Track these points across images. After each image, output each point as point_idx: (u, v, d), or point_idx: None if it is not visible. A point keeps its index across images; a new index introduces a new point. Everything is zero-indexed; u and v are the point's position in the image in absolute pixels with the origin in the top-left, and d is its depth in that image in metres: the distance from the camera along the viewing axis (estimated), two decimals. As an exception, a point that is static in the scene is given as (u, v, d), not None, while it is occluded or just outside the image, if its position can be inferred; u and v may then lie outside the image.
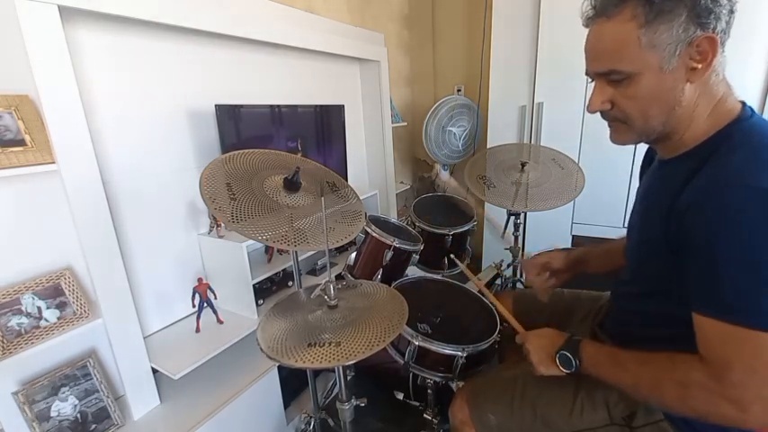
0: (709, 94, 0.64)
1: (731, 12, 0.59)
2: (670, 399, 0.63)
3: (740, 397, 0.56)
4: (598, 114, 0.74)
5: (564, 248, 1.12)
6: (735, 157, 0.58)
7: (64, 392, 1.12)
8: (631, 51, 0.61)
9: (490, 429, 0.92)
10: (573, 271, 1.08)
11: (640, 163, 0.95)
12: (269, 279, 1.67)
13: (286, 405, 1.56)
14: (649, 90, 0.63)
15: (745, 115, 0.64)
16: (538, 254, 1.12)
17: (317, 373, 1.53)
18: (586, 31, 0.69)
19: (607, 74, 0.65)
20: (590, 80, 0.70)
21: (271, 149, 1.19)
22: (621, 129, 0.70)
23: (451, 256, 1.61)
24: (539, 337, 0.86)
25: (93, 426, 1.17)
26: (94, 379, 1.18)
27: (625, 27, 0.60)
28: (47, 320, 1.07)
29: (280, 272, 1.69)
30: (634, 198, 0.86)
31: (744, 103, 0.67)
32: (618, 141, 0.72)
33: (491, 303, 1.21)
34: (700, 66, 0.60)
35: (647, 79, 0.62)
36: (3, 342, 0.99)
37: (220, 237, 1.50)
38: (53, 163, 1.02)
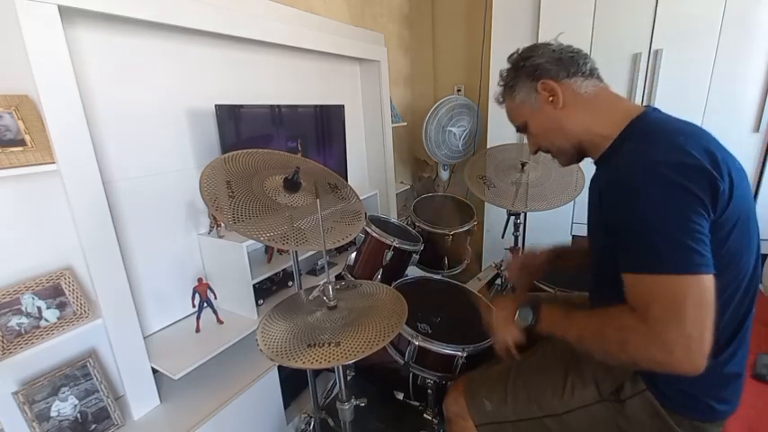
0: (593, 109, 0.83)
1: (558, 60, 0.83)
2: (612, 346, 0.71)
3: (665, 337, 0.63)
4: None
5: (538, 247, 1.16)
6: (632, 144, 0.74)
7: (64, 392, 1.12)
8: (515, 111, 0.92)
9: (486, 415, 0.97)
10: (551, 264, 1.15)
11: None
12: (269, 279, 1.67)
13: (286, 405, 1.56)
14: (539, 127, 0.89)
15: (645, 113, 0.79)
16: (515, 257, 1.22)
17: (316, 373, 1.53)
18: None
19: (518, 128, 0.94)
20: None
21: (271, 149, 1.19)
22: (556, 156, 0.93)
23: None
24: (498, 306, 0.97)
25: (93, 426, 1.17)
26: (94, 379, 1.18)
27: (509, 102, 0.93)
28: (47, 320, 1.07)
29: (280, 272, 1.69)
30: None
31: (648, 106, 0.82)
32: (562, 165, 0.95)
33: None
34: (553, 98, 0.84)
35: (533, 122, 0.89)
36: (3, 342, 0.99)
37: (220, 237, 1.50)
38: (53, 163, 1.02)
